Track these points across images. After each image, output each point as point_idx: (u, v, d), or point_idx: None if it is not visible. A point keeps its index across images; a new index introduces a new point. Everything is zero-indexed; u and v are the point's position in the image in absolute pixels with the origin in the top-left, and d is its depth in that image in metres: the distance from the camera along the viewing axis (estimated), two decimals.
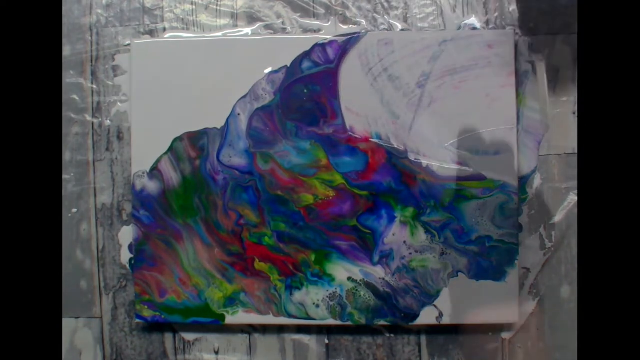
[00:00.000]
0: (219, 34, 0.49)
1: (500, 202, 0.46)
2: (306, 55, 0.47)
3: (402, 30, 0.48)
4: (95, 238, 0.50)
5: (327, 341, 0.49)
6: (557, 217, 0.48)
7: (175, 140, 0.47)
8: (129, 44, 0.49)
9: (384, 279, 0.47)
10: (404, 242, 0.46)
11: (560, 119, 0.47)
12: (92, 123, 0.50)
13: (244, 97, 0.47)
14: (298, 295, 0.47)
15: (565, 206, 0.48)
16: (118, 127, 0.50)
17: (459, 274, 0.46)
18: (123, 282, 0.50)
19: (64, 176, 0.50)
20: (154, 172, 0.48)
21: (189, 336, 0.49)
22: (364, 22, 0.48)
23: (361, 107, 0.46)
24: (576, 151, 0.47)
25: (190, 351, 0.49)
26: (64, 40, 0.50)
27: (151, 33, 0.50)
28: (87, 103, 0.50)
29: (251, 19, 0.49)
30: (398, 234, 0.46)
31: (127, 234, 0.49)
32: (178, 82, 0.47)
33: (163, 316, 0.48)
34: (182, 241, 0.48)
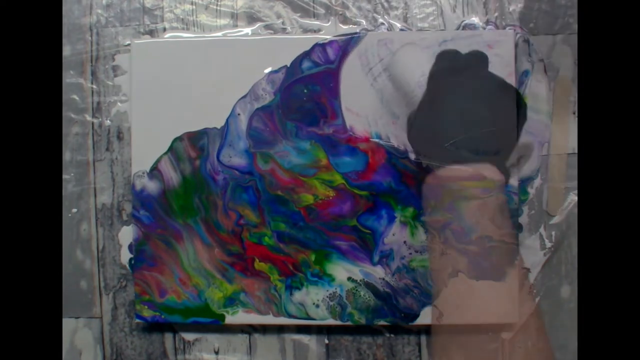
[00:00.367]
0: (219, 34, 0.49)
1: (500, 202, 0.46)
2: (306, 55, 0.47)
3: (402, 30, 0.48)
4: (95, 238, 0.50)
5: (327, 341, 0.49)
6: (557, 217, 0.48)
7: (175, 140, 0.47)
8: (129, 44, 0.49)
9: (384, 279, 0.47)
10: (404, 242, 0.46)
11: (560, 119, 0.47)
12: (92, 123, 0.50)
13: (244, 97, 0.47)
14: (298, 295, 0.47)
15: (565, 206, 0.48)
16: (118, 127, 0.50)
17: (459, 274, 0.46)
18: (123, 282, 0.50)
19: (64, 176, 0.50)
20: (154, 172, 0.48)
21: (189, 336, 0.50)
22: (364, 22, 0.48)
23: (361, 107, 0.46)
24: (576, 151, 0.47)
25: (190, 351, 0.49)
26: (64, 40, 0.50)
27: (151, 33, 0.50)
28: (87, 103, 0.50)
29: (251, 19, 0.49)
30: (398, 234, 0.46)
31: (127, 234, 0.49)
32: (178, 82, 0.47)
33: (163, 316, 0.48)
34: (182, 241, 0.48)
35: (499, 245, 0.46)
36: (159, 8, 0.50)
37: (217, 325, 0.49)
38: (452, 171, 0.31)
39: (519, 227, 0.47)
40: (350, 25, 0.48)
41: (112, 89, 0.50)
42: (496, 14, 0.48)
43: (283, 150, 0.47)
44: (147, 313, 0.48)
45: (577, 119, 0.47)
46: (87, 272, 0.50)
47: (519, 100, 0.33)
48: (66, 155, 0.50)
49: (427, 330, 0.48)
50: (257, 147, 0.47)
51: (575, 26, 0.48)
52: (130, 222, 0.49)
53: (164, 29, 0.50)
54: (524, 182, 0.47)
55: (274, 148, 0.47)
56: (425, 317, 0.46)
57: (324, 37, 0.47)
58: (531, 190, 0.48)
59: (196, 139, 0.47)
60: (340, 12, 0.49)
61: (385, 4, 0.48)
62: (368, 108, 0.46)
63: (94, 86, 0.50)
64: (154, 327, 0.50)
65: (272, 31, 0.49)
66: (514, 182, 0.46)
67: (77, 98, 0.50)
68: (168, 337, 0.50)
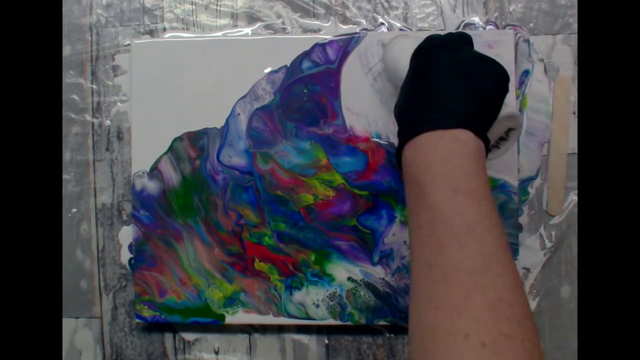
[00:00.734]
0: (219, 33, 0.49)
1: (500, 202, 0.46)
2: (306, 55, 0.47)
3: (401, 30, 0.48)
4: (95, 238, 0.50)
5: (327, 341, 0.49)
6: (557, 217, 0.48)
7: (175, 140, 0.47)
8: (129, 44, 0.49)
9: (384, 279, 0.47)
10: (404, 242, 0.46)
11: (560, 119, 0.47)
12: (92, 123, 0.50)
13: (244, 97, 0.47)
14: (298, 295, 0.47)
15: (566, 206, 0.48)
16: (118, 127, 0.50)
17: None
18: (123, 282, 0.50)
19: (64, 176, 0.50)
20: (154, 172, 0.48)
21: (189, 336, 0.50)
22: (364, 22, 0.48)
23: (361, 107, 0.46)
24: (576, 151, 0.47)
25: (190, 351, 0.49)
26: (64, 40, 0.50)
27: (151, 33, 0.50)
28: (87, 103, 0.50)
29: (251, 19, 0.49)
30: (398, 234, 0.46)
31: (127, 234, 0.49)
32: (178, 82, 0.47)
33: (163, 316, 0.48)
34: (182, 241, 0.48)
35: None
36: (159, 8, 0.50)
37: (217, 325, 0.49)
38: (430, 135, 0.31)
39: (519, 227, 0.47)
40: (350, 25, 0.48)
41: (112, 89, 0.50)
42: (496, 14, 0.48)
43: (283, 150, 0.47)
44: (147, 313, 0.48)
45: (577, 119, 0.47)
46: (87, 272, 0.50)
47: (503, 73, 0.34)
48: (66, 155, 0.50)
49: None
50: (257, 147, 0.47)
51: (575, 26, 0.48)
52: (130, 222, 0.49)
53: (164, 29, 0.50)
54: (524, 182, 0.47)
55: (274, 148, 0.47)
56: None
57: (324, 37, 0.47)
58: (531, 190, 0.48)
59: (196, 139, 0.47)
60: (340, 12, 0.49)
61: (385, 4, 0.48)
62: (368, 108, 0.46)
63: (94, 86, 0.50)
64: (154, 327, 0.50)
65: (272, 31, 0.49)
66: (513, 182, 0.46)
67: (77, 98, 0.50)
68: (168, 337, 0.50)
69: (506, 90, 0.34)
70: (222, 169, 0.47)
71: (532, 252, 0.48)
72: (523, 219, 0.47)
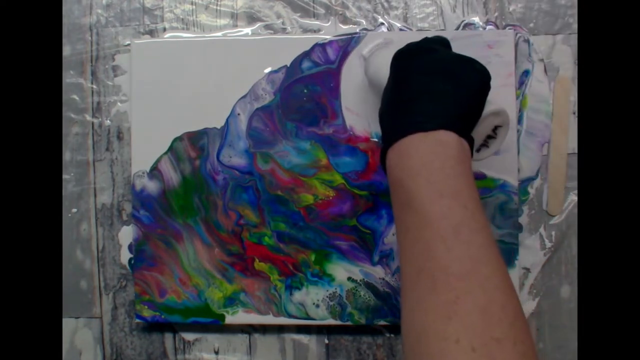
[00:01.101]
0: (219, 34, 0.49)
1: (500, 202, 0.46)
2: (306, 55, 0.47)
3: (401, 30, 0.48)
4: (95, 238, 0.50)
5: (327, 341, 0.49)
6: (557, 217, 0.48)
7: (175, 140, 0.47)
8: (129, 44, 0.49)
9: (383, 279, 0.47)
10: None
11: (560, 119, 0.47)
12: (92, 123, 0.50)
13: (244, 97, 0.47)
14: (298, 295, 0.47)
15: (566, 206, 0.48)
16: (118, 127, 0.50)
17: None
18: (123, 282, 0.50)
19: (64, 176, 0.50)
20: (154, 172, 0.48)
21: (189, 336, 0.50)
22: (364, 22, 0.48)
23: (361, 107, 0.46)
24: (576, 151, 0.47)
25: (190, 351, 0.49)
26: (64, 40, 0.50)
27: (151, 33, 0.50)
28: (87, 103, 0.50)
29: (251, 19, 0.49)
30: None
31: (127, 234, 0.49)
32: (178, 82, 0.47)
33: (163, 316, 0.48)
34: (182, 241, 0.48)
35: (498, 245, 0.46)
36: (159, 8, 0.50)
37: (217, 325, 0.49)
38: (412, 139, 0.31)
39: (519, 227, 0.47)
40: (350, 25, 0.48)
41: (112, 89, 0.50)
42: (496, 14, 0.48)
43: (283, 150, 0.47)
44: (147, 313, 0.48)
45: (577, 119, 0.47)
46: (87, 272, 0.50)
47: (483, 71, 0.34)
48: (66, 155, 0.50)
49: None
50: (257, 147, 0.47)
51: (575, 26, 0.48)
52: (130, 222, 0.49)
53: (164, 29, 0.50)
54: (524, 182, 0.47)
55: (274, 148, 0.47)
56: None
57: (324, 37, 0.47)
58: (531, 190, 0.48)
59: (196, 139, 0.47)
60: (340, 12, 0.49)
61: (385, 4, 0.48)
62: (368, 108, 0.46)
63: (94, 86, 0.50)
64: (154, 327, 0.50)
65: (272, 31, 0.49)
66: (514, 182, 0.46)
67: (77, 98, 0.50)
68: (168, 337, 0.50)
69: (488, 88, 0.34)
70: (222, 169, 0.47)
71: (532, 252, 0.48)
72: (523, 219, 0.47)
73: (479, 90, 0.34)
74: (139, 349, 0.50)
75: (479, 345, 0.25)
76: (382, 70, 0.39)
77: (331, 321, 0.47)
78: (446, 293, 0.27)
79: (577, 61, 0.47)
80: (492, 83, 0.46)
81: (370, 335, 0.49)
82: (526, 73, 0.47)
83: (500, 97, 0.46)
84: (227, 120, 0.47)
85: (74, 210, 0.50)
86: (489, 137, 0.37)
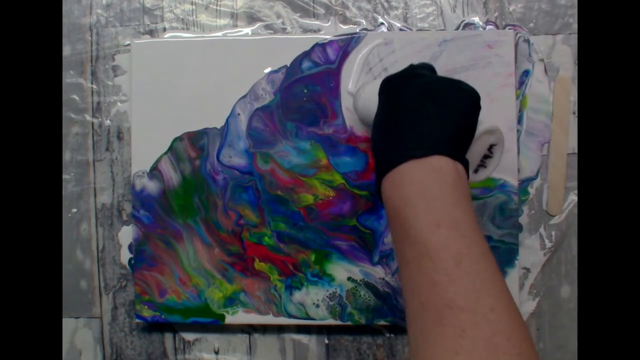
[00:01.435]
0: (219, 34, 0.49)
1: (500, 202, 0.46)
2: (306, 55, 0.47)
3: (401, 30, 0.48)
4: (95, 238, 0.50)
5: (327, 341, 0.49)
6: (557, 217, 0.48)
7: (175, 140, 0.47)
8: (129, 44, 0.49)
9: (383, 279, 0.47)
10: None
11: (560, 119, 0.47)
12: (92, 123, 0.50)
13: (244, 97, 0.47)
14: (298, 295, 0.47)
15: (566, 206, 0.48)
16: (118, 127, 0.50)
17: None
18: (123, 282, 0.50)
19: (64, 176, 0.50)
20: (154, 172, 0.48)
21: (189, 336, 0.50)
22: (364, 22, 0.48)
23: (361, 106, 0.46)
24: (576, 151, 0.47)
25: (190, 351, 0.49)
26: (64, 40, 0.50)
27: (151, 33, 0.50)
28: (87, 103, 0.50)
29: (251, 19, 0.49)
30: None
31: (127, 234, 0.49)
32: (178, 82, 0.47)
33: (163, 316, 0.48)
34: (182, 241, 0.48)
35: (498, 245, 0.46)
36: (159, 8, 0.50)
37: (217, 325, 0.49)
38: (405, 167, 0.31)
39: (519, 227, 0.47)
40: (350, 25, 0.48)
41: (112, 89, 0.50)
42: (496, 14, 0.48)
43: (283, 150, 0.47)
44: (147, 313, 0.48)
45: (577, 119, 0.47)
46: (87, 272, 0.50)
47: (472, 92, 0.33)
48: (66, 155, 0.50)
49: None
50: (257, 147, 0.47)
51: (575, 26, 0.48)
52: (130, 222, 0.49)
53: (164, 29, 0.50)
54: (524, 182, 0.47)
55: (274, 148, 0.47)
56: None
57: (324, 37, 0.47)
58: (531, 190, 0.48)
59: (196, 139, 0.47)
60: (340, 12, 0.49)
61: (385, 4, 0.48)
62: (368, 108, 0.46)
63: (94, 86, 0.50)
64: (154, 327, 0.50)
65: (272, 31, 0.49)
66: (513, 182, 0.46)
67: (77, 98, 0.50)
68: (168, 337, 0.50)
69: (478, 108, 0.34)
70: (222, 169, 0.47)
71: (532, 252, 0.48)
72: (523, 219, 0.47)
73: (469, 110, 0.33)
74: (139, 349, 0.50)
75: None
76: (371, 102, 0.38)
77: (331, 321, 0.47)
78: (452, 327, 0.26)
79: (577, 61, 0.47)
80: (492, 83, 0.47)
81: (370, 335, 0.49)
82: (526, 73, 0.47)
83: (500, 97, 0.46)
84: (227, 120, 0.47)
85: (74, 210, 0.50)
86: (486, 156, 0.36)
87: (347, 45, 0.46)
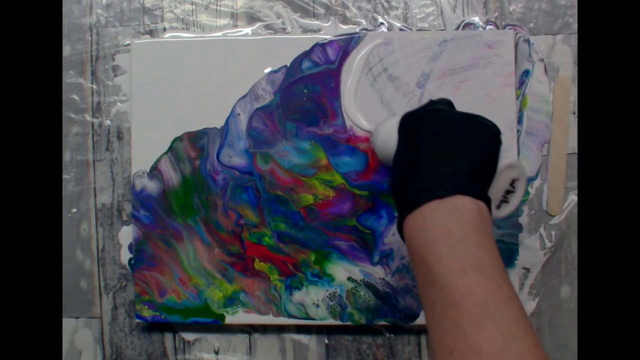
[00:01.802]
0: (219, 34, 0.49)
1: None
2: (306, 55, 0.47)
3: (401, 30, 0.48)
4: (95, 238, 0.50)
5: (327, 341, 0.49)
6: (557, 217, 0.48)
7: (175, 140, 0.47)
8: (129, 44, 0.49)
9: (384, 278, 0.47)
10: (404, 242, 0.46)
11: (560, 119, 0.47)
12: (92, 123, 0.50)
13: (244, 97, 0.47)
14: (298, 295, 0.47)
15: (566, 206, 0.48)
16: (118, 127, 0.50)
17: None
18: (123, 282, 0.50)
19: (64, 176, 0.50)
20: (154, 172, 0.48)
21: (189, 336, 0.50)
22: (364, 22, 0.48)
23: (361, 107, 0.46)
24: (576, 151, 0.47)
25: (190, 351, 0.49)
26: (64, 40, 0.50)
27: (151, 33, 0.50)
28: (87, 103, 0.50)
29: (251, 19, 0.49)
30: (398, 234, 0.46)
31: (127, 234, 0.49)
32: (178, 82, 0.47)
33: (163, 316, 0.48)
34: (182, 241, 0.48)
35: (498, 245, 0.46)
36: (159, 8, 0.50)
37: (217, 325, 0.49)
38: (427, 209, 0.30)
39: (519, 227, 0.47)
40: (350, 25, 0.48)
41: (112, 89, 0.50)
42: (496, 14, 0.48)
43: (283, 150, 0.47)
44: (147, 313, 0.48)
45: (577, 119, 0.47)
46: (87, 272, 0.50)
47: (492, 127, 0.33)
48: (66, 155, 0.50)
49: (427, 330, 0.48)
50: (257, 147, 0.47)
51: (575, 26, 0.48)
52: (130, 222, 0.49)
53: (164, 29, 0.50)
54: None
55: (274, 148, 0.47)
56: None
57: (324, 37, 0.47)
58: (531, 190, 0.48)
59: (196, 139, 0.47)
60: (340, 12, 0.49)
61: (385, 4, 0.48)
62: (368, 108, 0.46)
63: (94, 86, 0.50)
64: (154, 327, 0.50)
65: (272, 31, 0.49)
66: None
67: (77, 98, 0.50)
68: (168, 337, 0.50)
69: (499, 143, 0.33)
70: (222, 169, 0.47)
71: (532, 252, 0.48)
72: (523, 219, 0.47)
73: (489, 146, 0.33)
74: (139, 349, 0.50)
75: None
76: (390, 139, 0.38)
77: (331, 321, 0.47)
78: None
79: (577, 61, 0.47)
80: (492, 83, 0.47)
81: (370, 335, 0.49)
82: (526, 73, 0.47)
83: (500, 97, 0.46)
84: (227, 120, 0.47)
85: (74, 210, 0.50)
86: (508, 192, 0.36)
87: (347, 45, 0.46)
